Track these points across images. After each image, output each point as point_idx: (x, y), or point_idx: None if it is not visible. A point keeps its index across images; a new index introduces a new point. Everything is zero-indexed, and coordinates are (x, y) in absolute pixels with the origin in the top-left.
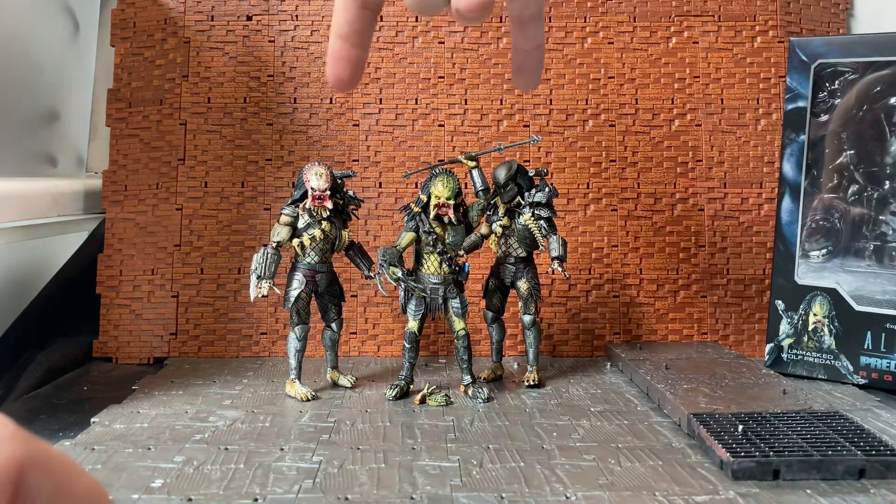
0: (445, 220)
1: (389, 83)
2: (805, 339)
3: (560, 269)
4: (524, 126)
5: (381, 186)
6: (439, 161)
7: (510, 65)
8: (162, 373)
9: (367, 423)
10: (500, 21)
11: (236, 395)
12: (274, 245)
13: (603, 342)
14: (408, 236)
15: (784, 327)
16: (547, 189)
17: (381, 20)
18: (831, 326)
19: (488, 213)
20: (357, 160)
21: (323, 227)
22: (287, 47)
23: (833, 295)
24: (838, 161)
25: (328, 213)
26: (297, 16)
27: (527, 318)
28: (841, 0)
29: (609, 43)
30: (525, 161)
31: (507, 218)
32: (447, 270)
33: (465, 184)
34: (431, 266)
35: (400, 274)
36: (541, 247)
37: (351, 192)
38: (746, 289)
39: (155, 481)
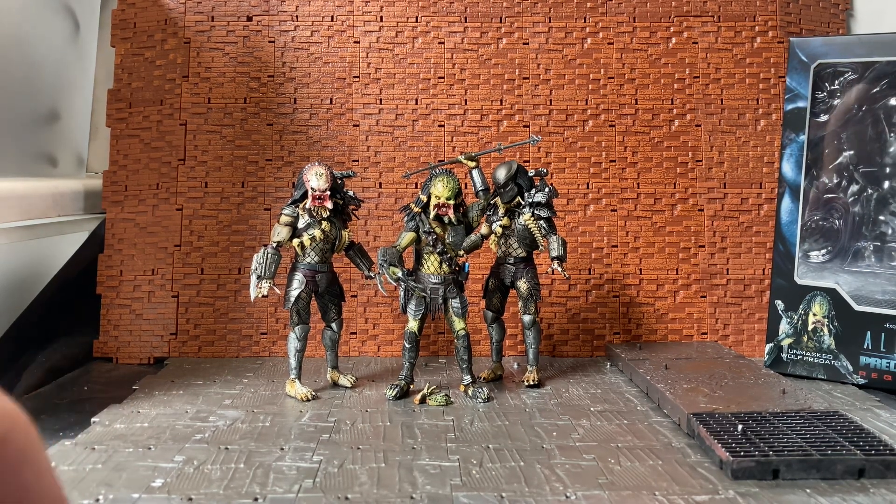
0: (445, 220)
1: (389, 83)
2: (805, 338)
3: (560, 269)
4: (524, 126)
5: (381, 186)
6: (439, 161)
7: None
8: (162, 373)
9: (367, 422)
10: (500, 21)
11: (236, 395)
12: (274, 245)
13: (603, 342)
14: (408, 236)
15: (784, 327)
16: (547, 189)
17: (381, 20)
18: (831, 326)
19: (488, 213)
20: (357, 160)
21: (323, 227)
22: (287, 48)
23: (832, 295)
24: (838, 161)
25: (328, 213)
26: (297, 16)
27: (527, 318)
28: (841, 0)
29: (609, 43)
30: (525, 161)
31: (507, 218)
32: (447, 270)
33: (465, 184)
34: (431, 266)
35: (400, 274)
36: (541, 247)
37: (351, 193)
38: (746, 289)
39: (155, 481)
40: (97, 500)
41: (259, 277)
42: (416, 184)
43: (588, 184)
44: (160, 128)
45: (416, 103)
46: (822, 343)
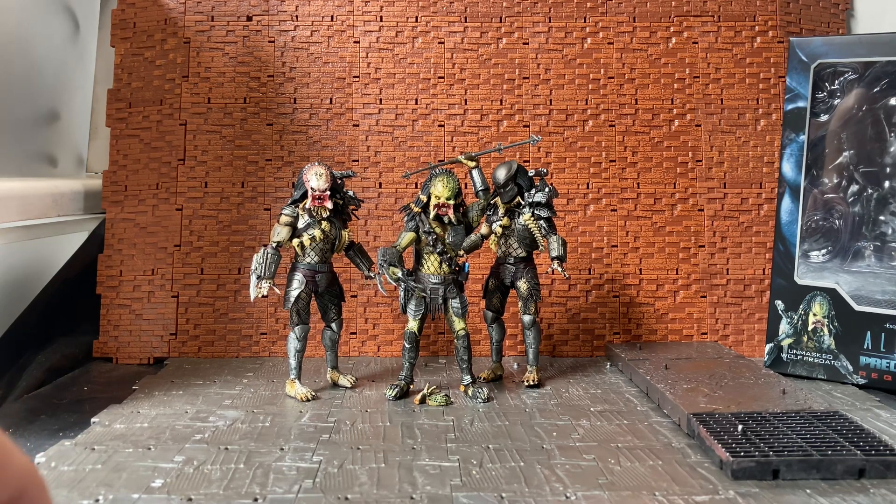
0: (445, 220)
1: (389, 83)
2: (805, 339)
3: (560, 269)
4: (524, 126)
5: (381, 186)
6: (439, 161)
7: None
8: (162, 373)
9: (367, 423)
10: (500, 21)
11: (236, 395)
12: (274, 245)
13: (603, 342)
14: (408, 236)
15: (784, 327)
16: (547, 189)
17: (381, 20)
18: (831, 326)
19: (488, 213)
20: (357, 160)
21: (323, 227)
22: (287, 47)
23: (833, 295)
24: (838, 161)
25: (328, 213)
26: (297, 16)
27: (526, 318)
28: (841, 0)
29: (609, 43)
30: (525, 161)
31: (506, 218)
32: (447, 270)
33: (465, 184)
34: (431, 266)
35: (400, 274)
36: (541, 247)
37: (351, 193)
38: (746, 289)
39: (155, 481)
40: (97, 500)
41: (259, 277)
42: (416, 184)
43: (588, 184)
44: (160, 128)
45: (416, 103)
46: (822, 343)
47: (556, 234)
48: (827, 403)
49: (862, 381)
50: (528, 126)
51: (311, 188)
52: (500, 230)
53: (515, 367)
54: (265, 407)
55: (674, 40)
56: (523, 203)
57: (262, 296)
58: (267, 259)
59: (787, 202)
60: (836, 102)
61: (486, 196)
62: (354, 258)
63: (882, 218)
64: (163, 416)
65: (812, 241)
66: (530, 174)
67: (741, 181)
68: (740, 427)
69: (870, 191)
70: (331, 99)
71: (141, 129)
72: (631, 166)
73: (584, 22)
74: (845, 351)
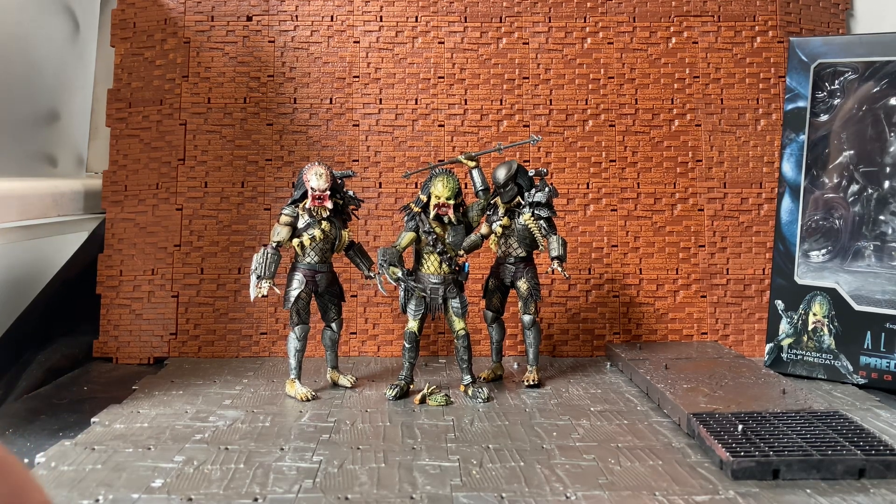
0: (445, 219)
1: (389, 83)
2: (805, 338)
3: (560, 268)
4: (524, 126)
5: (381, 186)
6: (439, 161)
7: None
8: (162, 373)
9: (367, 423)
10: (500, 21)
11: (236, 395)
12: (274, 245)
13: (603, 342)
14: (408, 236)
15: (784, 327)
16: (547, 189)
17: (381, 20)
18: (831, 326)
19: (488, 213)
20: (357, 160)
21: (323, 227)
22: (287, 47)
23: (833, 295)
24: (838, 161)
25: (328, 213)
26: (297, 16)
27: (526, 318)
28: (841, 0)
29: (609, 43)
30: (525, 161)
31: (507, 218)
32: (447, 270)
33: (465, 184)
34: (431, 266)
35: (400, 274)
36: (541, 247)
37: (351, 192)
38: (746, 289)
39: (155, 481)
40: (97, 500)
41: (259, 277)
42: (416, 184)
43: (588, 184)
44: (160, 128)
45: (416, 103)
46: (822, 343)
47: (556, 234)
48: (827, 403)
49: (862, 381)
50: (528, 126)
51: (311, 188)
52: (500, 230)
53: (515, 367)
54: (265, 407)
55: (674, 40)
56: (523, 203)
57: (262, 296)
58: (267, 259)
59: (787, 202)
60: (836, 102)
61: (486, 196)
62: (354, 258)
63: (882, 218)
64: (163, 416)
65: (812, 240)
66: (530, 174)
67: (741, 181)
68: (740, 427)
69: (870, 191)
70: (331, 99)
71: (141, 129)
72: (631, 166)
73: (584, 22)
74: (845, 351)
